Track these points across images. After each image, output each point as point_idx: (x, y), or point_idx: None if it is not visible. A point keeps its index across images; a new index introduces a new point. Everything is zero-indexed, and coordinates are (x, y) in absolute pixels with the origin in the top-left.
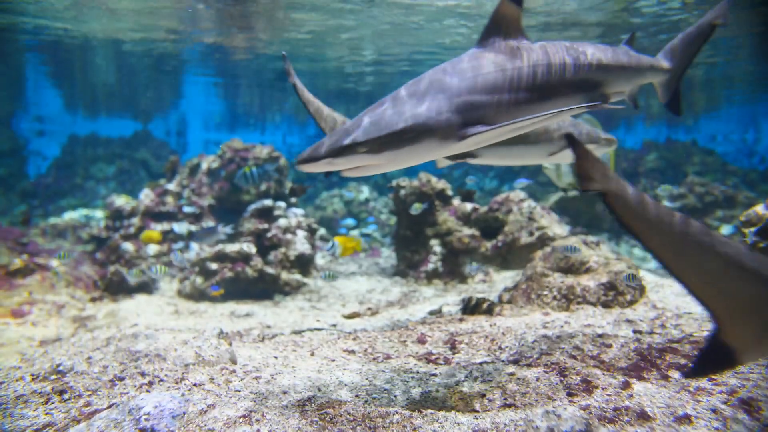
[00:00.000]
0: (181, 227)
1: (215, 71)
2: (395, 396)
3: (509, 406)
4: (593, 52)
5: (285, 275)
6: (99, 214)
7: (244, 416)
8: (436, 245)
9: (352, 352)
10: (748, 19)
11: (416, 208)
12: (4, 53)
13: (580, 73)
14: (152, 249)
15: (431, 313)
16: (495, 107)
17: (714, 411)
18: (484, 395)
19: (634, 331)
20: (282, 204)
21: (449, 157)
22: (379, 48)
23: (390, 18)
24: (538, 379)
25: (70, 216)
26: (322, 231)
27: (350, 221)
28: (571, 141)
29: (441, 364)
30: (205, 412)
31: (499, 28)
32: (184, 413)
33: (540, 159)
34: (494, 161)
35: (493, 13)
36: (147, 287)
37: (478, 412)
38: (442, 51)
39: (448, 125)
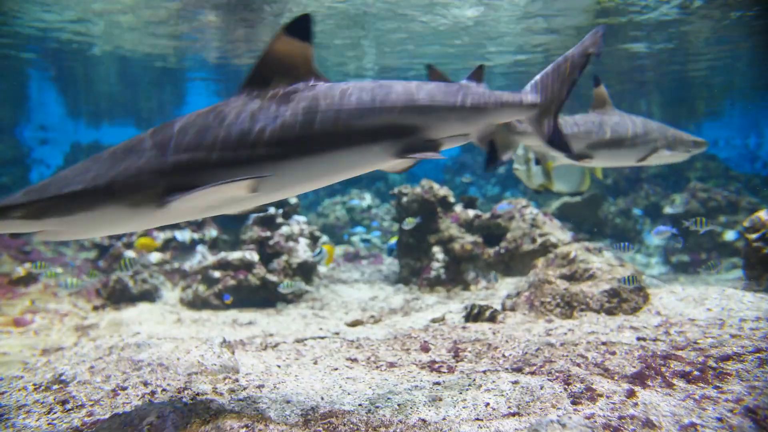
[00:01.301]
0: (183, 235)
1: (218, 78)
2: (399, 405)
3: (513, 414)
4: (403, 93)
5: (288, 283)
6: None
7: (246, 426)
8: (438, 252)
9: (355, 360)
10: (749, 23)
11: (408, 223)
12: (8, 62)
13: (382, 118)
14: (155, 257)
15: (434, 320)
16: (229, 165)
17: (720, 419)
18: (488, 404)
19: (638, 338)
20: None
21: (570, 156)
22: (380, 57)
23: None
24: (542, 387)
25: None
26: (324, 238)
27: (360, 229)
28: None
29: (444, 372)
30: (208, 422)
31: (272, 69)
32: (187, 423)
33: (632, 162)
34: (603, 164)
35: (264, 52)
36: (149, 295)
37: (482, 420)
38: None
39: (145, 189)
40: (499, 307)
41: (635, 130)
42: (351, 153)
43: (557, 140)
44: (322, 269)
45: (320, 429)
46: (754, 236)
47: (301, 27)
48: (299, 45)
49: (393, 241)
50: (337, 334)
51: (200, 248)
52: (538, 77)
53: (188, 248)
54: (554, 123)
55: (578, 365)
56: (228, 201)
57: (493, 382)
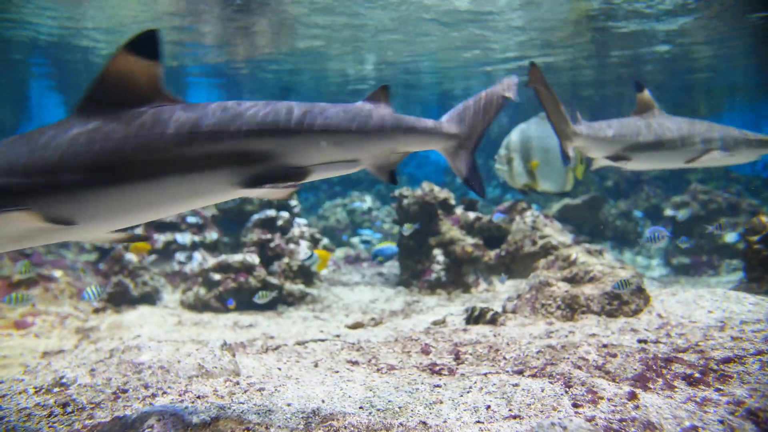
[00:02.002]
0: (184, 237)
1: (218, 81)
2: (399, 408)
3: (514, 417)
4: (255, 115)
5: (288, 285)
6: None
7: (247, 429)
8: (439, 255)
9: (356, 363)
10: (749, 25)
11: (408, 229)
12: (9, 64)
13: (223, 144)
14: (177, 256)
15: (435, 323)
16: (35, 192)
17: (721, 422)
18: (489, 406)
19: (639, 341)
20: (285, 214)
21: (609, 158)
22: (381, 57)
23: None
24: (542, 389)
25: None
26: (325, 241)
27: (368, 232)
28: None
29: (445, 374)
30: (209, 424)
31: (111, 89)
32: (188, 426)
33: (680, 164)
34: (644, 166)
35: (101, 71)
36: (150, 298)
37: (482, 423)
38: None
39: None
40: (500, 310)
41: (680, 132)
42: (182, 182)
43: (473, 179)
44: (323, 271)
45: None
46: (755, 238)
47: (146, 44)
48: (144, 64)
49: (380, 246)
50: (337, 336)
51: (196, 254)
52: (459, 107)
53: (165, 254)
54: (471, 159)
55: (579, 368)
56: (20, 234)
57: (494, 384)
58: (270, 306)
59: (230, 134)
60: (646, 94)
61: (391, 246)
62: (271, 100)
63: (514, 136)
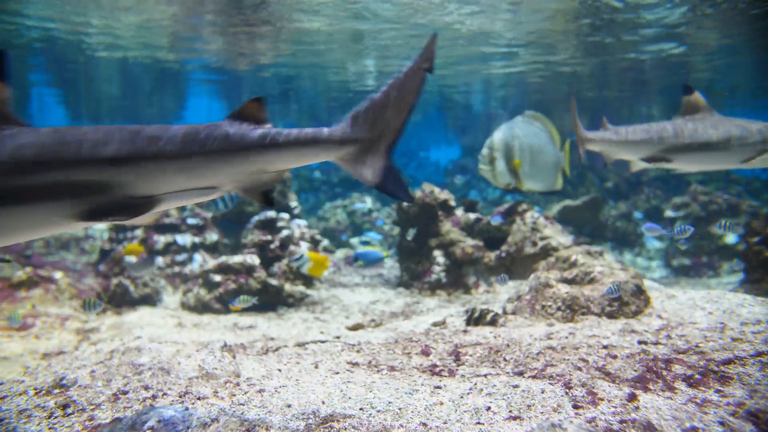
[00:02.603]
0: (184, 239)
1: (219, 83)
2: (400, 409)
3: (515, 418)
4: (97, 141)
5: (288, 287)
6: (102, 225)
7: (248, 430)
8: (439, 256)
9: (356, 364)
10: (749, 27)
11: (411, 233)
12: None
13: (50, 175)
14: (158, 261)
15: (435, 324)
16: None
17: (722, 423)
18: (489, 408)
19: (640, 342)
20: (285, 215)
21: (644, 160)
22: (382, 59)
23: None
24: (543, 391)
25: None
26: (325, 242)
27: (372, 234)
28: None
29: (445, 376)
30: (209, 425)
31: None
32: (188, 427)
33: (734, 164)
34: (689, 168)
35: None
36: (150, 299)
37: (483, 425)
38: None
39: None
40: (500, 311)
41: (732, 132)
42: (10, 214)
43: (390, 184)
44: (323, 273)
45: None
46: (755, 239)
47: None
48: None
49: (363, 249)
50: (338, 337)
51: (196, 257)
52: (362, 104)
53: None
54: (384, 162)
55: (579, 369)
56: None
57: (495, 386)
58: (270, 307)
59: (65, 163)
60: (696, 96)
61: (375, 251)
62: (118, 124)
63: (497, 135)
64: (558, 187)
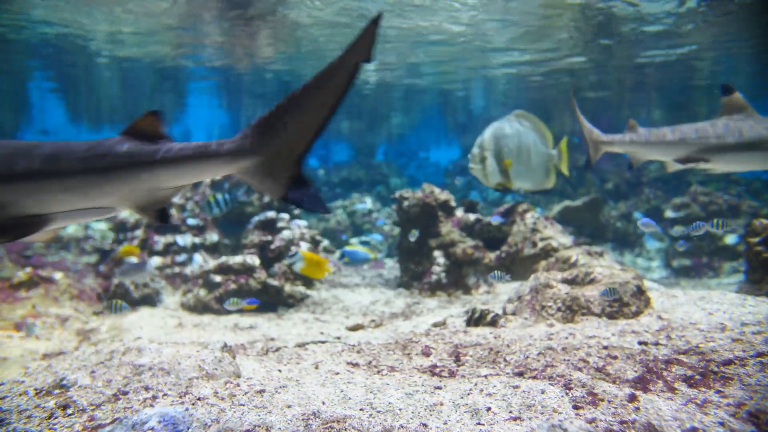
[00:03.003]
0: (184, 239)
1: (219, 84)
2: (400, 410)
3: (515, 419)
4: None
5: (288, 287)
6: (102, 225)
7: (248, 431)
8: (439, 256)
9: (356, 364)
10: (749, 27)
11: (413, 234)
12: (9, 67)
13: None
14: (156, 261)
15: (435, 324)
16: None
17: (722, 424)
18: (489, 408)
19: (640, 343)
20: (285, 216)
21: (678, 161)
22: (381, 56)
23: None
24: (543, 391)
25: (74, 228)
26: (325, 242)
27: (375, 236)
28: None
29: (446, 376)
30: (209, 426)
31: None
32: (188, 427)
33: None
34: (728, 168)
35: None
36: (150, 300)
37: (483, 425)
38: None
39: None
40: (500, 312)
41: None
42: None
43: (299, 196)
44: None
45: None
46: (755, 240)
47: None
48: None
49: (351, 248)
50: (338, 338)
51: (196, 257)
52: (265, 113)
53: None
54: (293, 173)
55: (580, 370)
56: None
57: (495, 386)
58: (270, 308)
59: None
60: (736, 96)
61: (362, 251)
62: (5, 140)
63: (488, 134)
64: (549, 186)
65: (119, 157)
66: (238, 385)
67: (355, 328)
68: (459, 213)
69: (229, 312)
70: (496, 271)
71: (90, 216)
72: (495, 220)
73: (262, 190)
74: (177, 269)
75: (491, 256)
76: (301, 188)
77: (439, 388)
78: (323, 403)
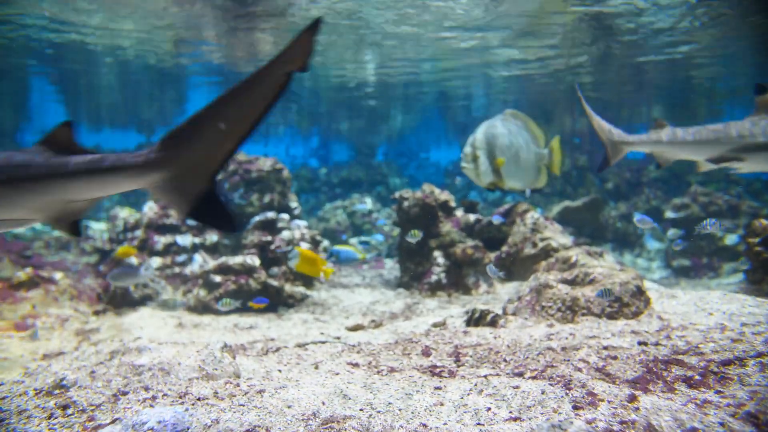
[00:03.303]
0: (184, 239)
1: (219, 84)
2: (400, 410)
3: (515, 419)
4: None
5: (288, 287)
6: (102, 226)
7: (248, 431)
8: (439, 257)
9: (356, 365)
10: (749, 29)
11: (413, 235)
12: (9, 67)
13: None
14: (156, 262)
15: (435, 325)
16: None
17: (722, 424)
18: (489, 408)
19: (640, 343)
20: (285, 216)
21: (711, 160)
22: (381, 57)
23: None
24: (543, 392)
25: None
26: (325, 243)
27: (378, 237)
28: None
29: (446, 377)
30: (209, 426)
31: None
32: (188, 428)
33: None
34: (762, 167)
35: None
36: (150, 300)
37: (483, 425)
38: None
39: None
40: (500, 312)
41: None
42: None
43: (207, 213)
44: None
45: None
46: (755, 240)
47: None
48: None
49: (340, 247)
50: (338, 338)
51: (199, 258)
52: (178, 125)
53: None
54: (204, 188)
55: (579, 370)
56: None
57: (494, 386)
58: (270, 308)
59: None
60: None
61: (351, 251)
62: None
63: (480, 133)
64: (540, 185)
65: (32, 169)
66: (238, 385)
67: (355, 329)
68: (459, 213)
69: (228, 312)
70: (491, 264)
71: (5, 227)
72: (496, 219)
73: (171, 205)
74: (177, 269)
75: (491, 256)
76: (210, 205)
77: (439, 388)
78: (323, 403)
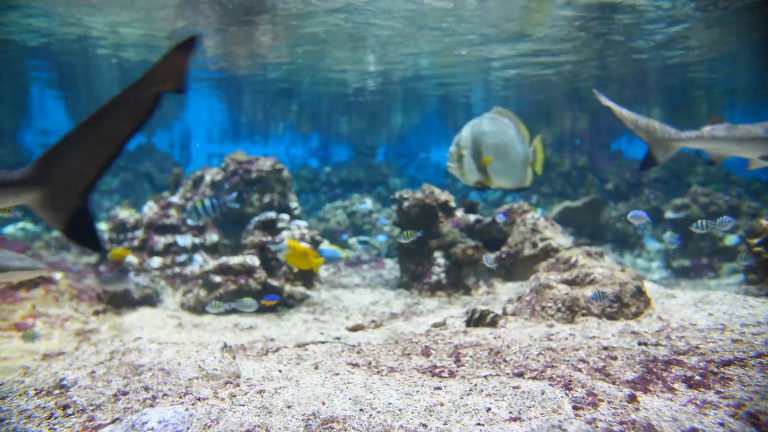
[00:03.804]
0: (184, 240)
1: (219, 84)
2: (400, 410)
3: (515, 419)
4: None
5: (289, 288)
6: (102, 226)
7: (248, 431)
8: (439, 257)
9: (356, 365)
10: (749, 30)
11: (407, 236)
12: (9, 67)
13: None
14: (156, 262)
15: (435, 325)
16: None
17: (722, 425)
18: (489, 409)
19: (640, 343)
20: (285, 216)
21: (765, 158)
22: (382, 57)
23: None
24: (543, 392)
25: None
26: (325, 243)
27: (381, 237)
28: None
29: (445, 377)
30: (209, 426)
31: None
32: (188, 428)
33: None
34: None
35: None
36: (150, 300)
37: (483, 426)
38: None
39: None
40: (500, 312)
41: None
42: None
43: (79, 231)
44: (323, 273)
45: None
46: (755, 241)
47: None
48: None
49: (326, 247)
50: (338, 338)
51: (199, 258)
52: (54, 144)
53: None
54: (77, 206)
55: (579, 370)
56: None
57: (494, 387)
58: (270, 308)
59: None
60: None
61: (334, 250)
62: None
63: (465, 132)
64: (527, 184)
65: None
66: (238, 385)
67: (355, 329)
68: (459, 213)
69: (228, 312)
70: (486, 254)
71: None
72: (500, 218)
73: (48, 221)
74: (177, 269)
75: (491, 256)
76: (82, 223)
77: (439, 388)
78: (323, 403)
